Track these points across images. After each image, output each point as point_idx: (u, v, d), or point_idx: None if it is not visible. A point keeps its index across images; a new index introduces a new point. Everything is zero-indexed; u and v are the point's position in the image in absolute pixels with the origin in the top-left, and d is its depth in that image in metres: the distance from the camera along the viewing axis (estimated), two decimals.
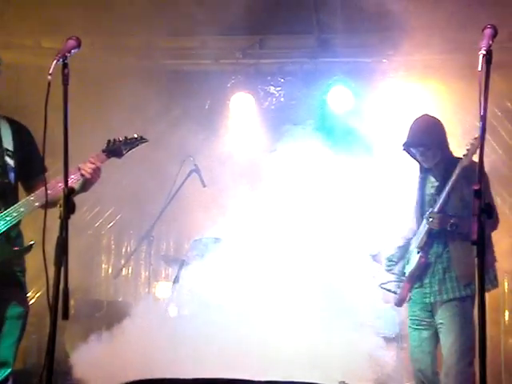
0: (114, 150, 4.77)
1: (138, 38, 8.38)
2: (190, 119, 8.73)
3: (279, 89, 8.35)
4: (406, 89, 8.43)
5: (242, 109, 8.73)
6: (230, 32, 8.15)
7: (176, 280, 7.30)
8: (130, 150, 4.86)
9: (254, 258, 7.02)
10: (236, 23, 7.76)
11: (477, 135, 4.92)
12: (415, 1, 7.33)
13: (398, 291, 5.66)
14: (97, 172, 4.59)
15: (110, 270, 10.11)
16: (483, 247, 3.00)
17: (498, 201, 8.48)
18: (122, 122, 8.11)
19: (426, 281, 5.49)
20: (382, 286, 5.90)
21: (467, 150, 5.21)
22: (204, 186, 7.77)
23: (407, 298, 5.62)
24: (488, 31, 3.37)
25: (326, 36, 8.27)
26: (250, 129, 8.57)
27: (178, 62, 8.70)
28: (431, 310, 5.48)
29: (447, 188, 5.33)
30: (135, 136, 4.89)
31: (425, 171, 5.70)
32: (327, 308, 6.60)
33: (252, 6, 7.61)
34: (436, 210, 5.35)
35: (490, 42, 3.31)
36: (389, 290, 5.81)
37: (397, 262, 5.81)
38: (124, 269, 9.30)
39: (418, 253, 5.52)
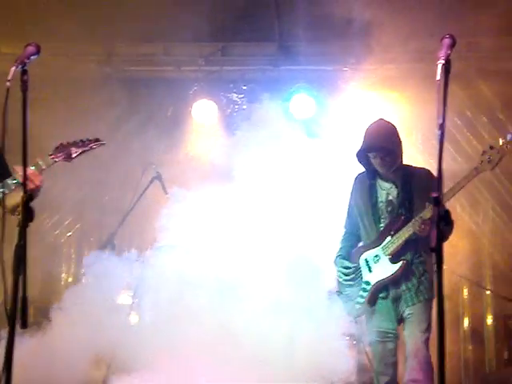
0: (62, 152, 4.56)
1: (100, 44, 8.33)
2: (152, 126, 8.72)
3: (242, 96, 8.34)
4: (368, 97, 8.49)
5: (204, 116, 8.70)
6: (193, 39, 8.13)
7: (137, 288, 7.27)
8: (83, 152, 4.64)
9: (216, 263, 7.11)
10: (199, 30, 7.75)
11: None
12: (377, 11, 7.38)
13: (361, 301, 5.42)
14: (34, 179, 4.27)
15: (69, 279, 10.02)
16: (441, 254, 3.03)
17: (457, 208, 8.60)
18: (84, 128, 8.08)
19: (403, 288, 5.30)
20: (341, 293, 5.62)
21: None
22: (166, 194, 7.72)
23: (368, 308, 5.39)
24: (446, 41, 3.40)
25: (289, 44, 8.29)
26: (212, 135, 8.53)
27: (140, 69, 8.64)
28: (400, 319, 5.34)
29: (415, 194, 5.28)
30: (89, 138, 4.68)
31: (373, 177, 5.54)
32: (292, 310, 6.72)
33: (215, 13, 7.62)
34: (424, 216, 5.05)
35: (449, 52, 3.34)
36: (350, 299, 5.51)
37: (354, 271, 5.56)
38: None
39: (394, 261, 5.29)
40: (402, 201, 5.35)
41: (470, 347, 8.85)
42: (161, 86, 8.52)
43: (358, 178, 5.70)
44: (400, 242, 5.29)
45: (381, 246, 5.39)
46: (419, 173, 5.44)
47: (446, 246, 8.28)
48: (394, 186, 5.47)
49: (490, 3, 7.23)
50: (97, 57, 8.47)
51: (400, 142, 5.48)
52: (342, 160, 7.65)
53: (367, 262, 5.47)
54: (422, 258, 5.33)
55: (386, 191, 5.47)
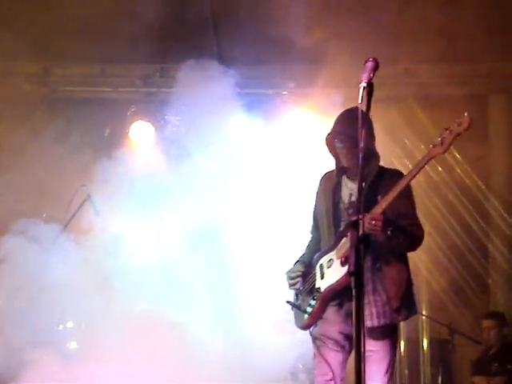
0: None
1: (34, 63, 8.23)
2: (88, 147, 8.59)
3: (179, 118, 8.27)
4: (307, 121, 8.50)
5: (141, 137, 8.62)
6: (131, 60, 8.07)
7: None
8: None
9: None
10: (137, 51, 7.71)
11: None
12: (316, 34, 7.43)
13: (309, 310, 4.76)
14: None
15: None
16: (361, 278, 2.99)
17: None
18: (17, 148, 7.96)
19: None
20: (291, 302, 5.00)
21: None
22: (97, 215, 7.61)
23: (318, 318, 4.75)
24: (369, 64, 3.41)
25: (227, 66, 8.26)
26: (149, 157, 8.44)
27: (76, 89, 8.54)
28: (349, 334, 4.61)
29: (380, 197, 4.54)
30: None
31: (340, 175, 4.89)
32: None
33: (153, 34, 7.58)
34: (379, 210, 4.36)
35: (371, 75, 3.36)
36: (298, 308, 4.88)
37: (304, 277, 4.92)
38: None
39: (344, 264, 4.60)
40: (365, 203, 4.36)
41: (406, 372, 8.85)
42: (98, 106, 8.43)
43: (325, 176, 5.06)
44: (347, 244, 4.54)
45: (335, 249, 4.73)
46: (390, 173, 4.77)
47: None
48: (355, 183, 4.69)
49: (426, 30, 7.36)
50: (31, 77, 8.36)
51: (374, 136, 4.78)
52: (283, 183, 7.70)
53: (321, 267, 4.83)
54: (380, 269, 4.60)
55: (350, 191, 4.82)
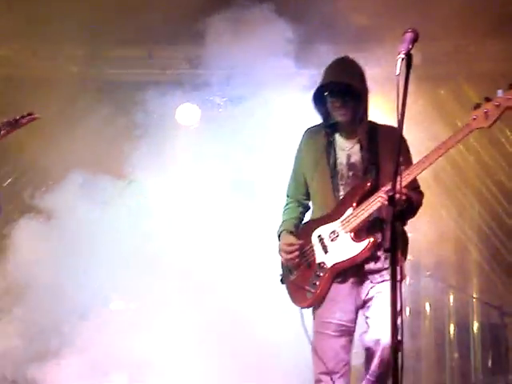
0: None
1: (82, 46, 8.29)
2: (136, 130, 8.58)
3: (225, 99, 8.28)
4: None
5: (188, 119, 8.63)
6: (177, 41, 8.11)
7: None
8: (11, 131, 4.63)
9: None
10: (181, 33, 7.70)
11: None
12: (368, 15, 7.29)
13: (312, 289, 4.35)
14: None
15: None
16: (396, 255, 2.93)
17: (443, 214, 8.50)
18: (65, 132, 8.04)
19: (367, 268, 4.30)
20: (291, 281, 4.50)
21: None
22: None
23: (323, 296, 4.34)
24: (408, 35, 3.33)
25: None
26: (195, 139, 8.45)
27: (123, 72, 8.59)
28: (360, 306, 4.36)
29: (381, 157, 4.29)
30: (23, 114, 4.69)
31: (330, 133, 4.47)
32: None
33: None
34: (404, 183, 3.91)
35: (410, 46, 3.28)
36: (298, 287, 4.44)
37: (301, 250, 4.45)
38: None
39: (357, 239, 4.26)
40: (368, 164, 4.33)
41: (456, 355, 8.72)
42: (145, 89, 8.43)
43: (309, 132, 4.62)
44: (365, 215, 4.24)
45: (340, 219, 4.30)
46: (386, 130, 4.40)
47: (432, 255, 8.13)
48: (357, 145, 4.43)
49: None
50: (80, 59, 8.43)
51: (367, 88, 4.44)
52: None
53: (321, 239, 4.38)
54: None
55: (347, 151, 4.42)
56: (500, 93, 3.94)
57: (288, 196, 4.72)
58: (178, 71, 8.58)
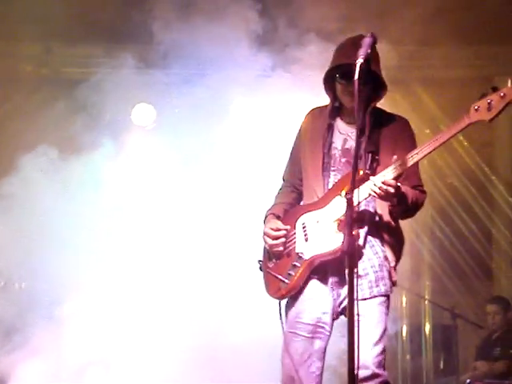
0: None
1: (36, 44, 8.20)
2: (90, 130, 8.50)
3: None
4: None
5: (143, 120, 8.57)
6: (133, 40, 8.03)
7: None
8: None
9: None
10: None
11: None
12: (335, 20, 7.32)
13: (287, 280, 3.94)
14: None
15: None
16: (354, 259, 2.93)
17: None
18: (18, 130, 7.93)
19: (362, 268, 3.83)
20: (269, 269, 4.10)
21: None
22: None
23: (297, 289, 3.94)
24: (367, 40, 3.36)
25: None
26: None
27: (78, 71, 8.49)
28: (339, 312, 3.94)
29: (382, 147, 3.94)
30: None
31: (333, 115, 4.10)
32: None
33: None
34: (387, 176, 3.69)
35: (369, 51, 3.31)
36: (275, 277, 4.02)
37: (286, 236, 4.04)
38: None
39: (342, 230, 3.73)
40: (365, 152, 3.90)
41: (408, 357, 8.82)
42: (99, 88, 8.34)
43: (313, 112, 4.25)
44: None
45: (326, 207, 3.90)
46: (394, 121, 4.08)
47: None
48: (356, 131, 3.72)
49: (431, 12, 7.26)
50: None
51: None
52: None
53: (304, 227, 3.98)
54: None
55: (345, 136, 4.05)
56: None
57: (284, 179, 4.34)
58: (133, 70, 8.48)
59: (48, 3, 7.30)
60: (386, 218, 3.89)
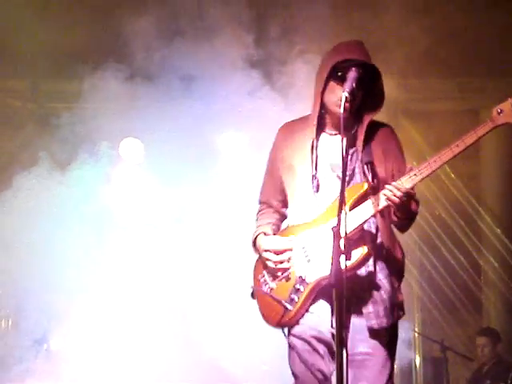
0: None
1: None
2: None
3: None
4: None
5: (131, 154, 8.57)
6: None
7: None
8: None
9: None
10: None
11: None
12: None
13: (290, 307, 3.60)
14: None
15: None
16: (342, 290, 2.91)
17: None
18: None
19: (359, 295, 3.55)
20: (270, 292, 3.70)
21: None
22: None
23: (302, 316, 3.60)
24: (352, 74, 3.37)
25: None
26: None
27: (65, 106, 8.51)
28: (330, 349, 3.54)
29: (376, 157, 3.67)
30: None
31: (319, 130, 3.76)
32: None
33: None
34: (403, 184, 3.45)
35: (354, 85, 3.32)
36: (278, 301, 3.64)
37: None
38: None
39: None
40: (362, 163, 3.66)
41: None
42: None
43: (288, 127, 3.92)
44: (361, 220, 3.53)
45: (327, 225, 3.54)
46: (381, 129, 3.80)
47: None
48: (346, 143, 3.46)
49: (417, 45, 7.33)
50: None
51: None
52: None
53: (303, 248, 3.66)
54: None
55: (334, 149, 3.70)
56: None
57: (261, 202, 4.03)
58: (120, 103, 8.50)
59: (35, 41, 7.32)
60: (388, 236, 3.65)
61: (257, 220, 3.97)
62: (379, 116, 3.76)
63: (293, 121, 3.95)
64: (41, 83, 8.45)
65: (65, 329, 7.41)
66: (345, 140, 3.21)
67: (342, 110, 3.29)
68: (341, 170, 3.26)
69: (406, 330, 8.60)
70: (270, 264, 3.69)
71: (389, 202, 3.45)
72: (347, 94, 3.29)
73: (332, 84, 3.61)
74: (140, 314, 7.40)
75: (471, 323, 8.83)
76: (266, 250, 3.72)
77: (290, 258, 3.65)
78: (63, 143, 8.03)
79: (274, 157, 3.93)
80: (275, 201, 3.94)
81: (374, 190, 3.57)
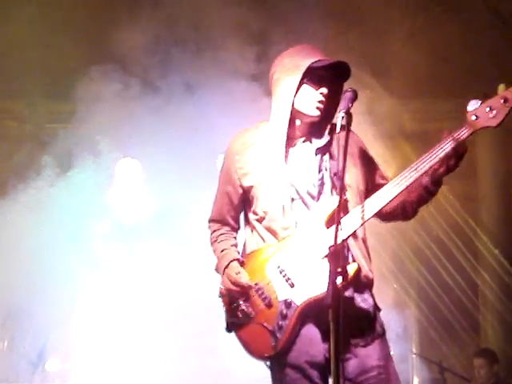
0: None
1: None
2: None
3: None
4: None
5: (128, 175, 8.54)
6: None
7: None
8: None
9: None
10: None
11: None
12: None
13: (279, 335, 3.36)
14: None
15: None
16: (338, 312, 2.89)
17: (383, 269, 8.58)
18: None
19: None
20: (256, 322, 3.44)
21: None
22: None
23: (292, 341, 3.37)
24: (348, 94, 3.34)
25: None
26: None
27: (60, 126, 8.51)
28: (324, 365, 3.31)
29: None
30: None
31: (291, 139, 3.56)
32: None
33: None
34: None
35: (350, 105, 3.30)
36: (259, 333, 3.41)
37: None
38: None
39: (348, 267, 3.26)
40: (330, 174, 3.51)
41: None
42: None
43: (245, 137, 3.66)
44: (343, 237, 3.30)
45: (306, 244, 3.39)
46: (341, 131, 3.39)
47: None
48: (318, 151, 3.52)
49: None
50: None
51: None
52: None
53: (282, 271, 3.43)
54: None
55: (306, 158, 3.56)
56: (502, 88, 3.37)
57: (214, 221, 3.77)
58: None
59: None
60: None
61: (216, 242, 3.70)
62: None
63: (246, 130, 3.70)
64: (37, 104, 8.43)
65: (62, 349, 7.36)
66: (341, 157, 3.16)
67: (337, 130, 3.27)
68: (313, 185, 3.39)
69: (404, 351, 8.61)
70: (237, 294, 3.48)
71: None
72: (343, 114, 3.25)
73: (305, 87, 3.49)
74: (142, 326, 7.36)
75: (469, 343, 8.81)
76: (230, 287, 3.51)
77: (257, 292, 3.43)
78: (59, 159, 8.05)
79: (228, 172, 3.65)
80: (231, 219, 3.71)
81: (344, 203, 3.39)
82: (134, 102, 7.51)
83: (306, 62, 3.46)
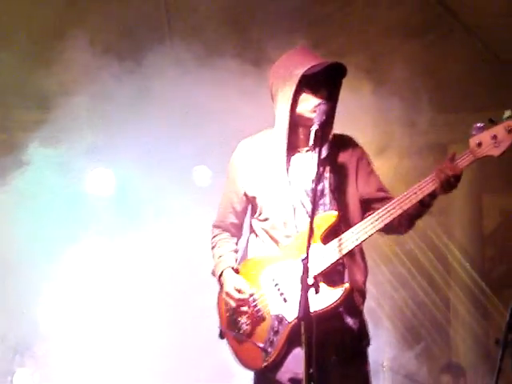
0: None
1: None
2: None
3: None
4: None
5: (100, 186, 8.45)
6: None
7: None
8: None
9: None
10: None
11: None
12: None
13: (270, 350, 3.36)
14: None
15: None
16: (311, 325, 2.88)
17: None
18: None
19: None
20: (247, 337, 3.43)
21: None
22: None
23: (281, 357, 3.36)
24: (322, 107, 3.36)
25: None
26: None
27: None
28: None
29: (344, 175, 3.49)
30: None
31: (291, 149, 3.53)
32: None
33: None
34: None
35: (324, 118, 3.31)
36: (251, 345, 3.41)
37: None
38: None
39: (331, 283, 3.33)
40: (334, 186, 3.49)
41: None
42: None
43: (248, 146, 3.67)
44: (337, 256, 3.34)
45: (300, 259, 3.03)
46: (343, 140, 3.61)
47: None
48: (320, 161, 3.29)
49: None
50: None
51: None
52: None
53: (276, 284, 3.41)
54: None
55: (305, 168, 3.49)
56: (508, 114, 3.23)
57: (216, 226, 3.80)
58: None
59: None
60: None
61: (216, 248, 3.73)
62: None
63: (252, 138, 3.71)
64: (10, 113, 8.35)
65: (49, 343, 7.26)
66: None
67: (310, 143, 3.31)
68: (321, 194, 3.38)
69: (376, 365, 8.61)
70: (231, 303, 3.50)
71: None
72: (317, 127, 3.26)
73: (304, 95, 3.46)
74: (137, 324, 7.33)
75: (440, 357, 8.84)
76: (227, 294, 3.53)
77: (251, 303, 3.45)
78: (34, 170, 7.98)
79: (233, 179, 3.68)
80: (233, 226, 3.74)
81: (343, 218, 3.42)
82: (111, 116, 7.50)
83: (299, 71, 3.42)
